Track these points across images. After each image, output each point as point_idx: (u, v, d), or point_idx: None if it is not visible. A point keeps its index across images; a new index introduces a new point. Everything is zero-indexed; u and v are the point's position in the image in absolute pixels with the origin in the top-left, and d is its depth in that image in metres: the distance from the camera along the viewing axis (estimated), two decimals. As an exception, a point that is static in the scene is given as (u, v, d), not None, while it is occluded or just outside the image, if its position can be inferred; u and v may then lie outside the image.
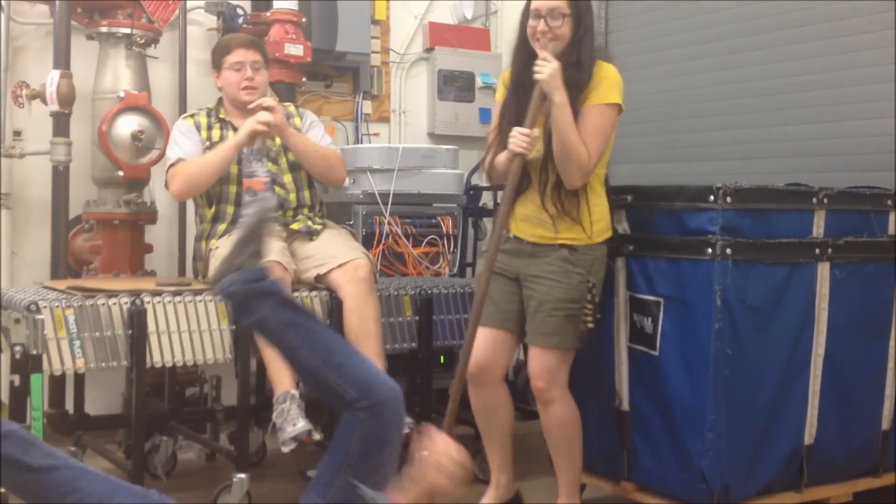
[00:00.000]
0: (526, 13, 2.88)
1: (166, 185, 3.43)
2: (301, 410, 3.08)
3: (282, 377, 3.11)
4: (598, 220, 2.90)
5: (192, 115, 3.52)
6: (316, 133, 3.56)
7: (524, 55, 2.89)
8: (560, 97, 2.75)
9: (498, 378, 3.06)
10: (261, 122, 3.28)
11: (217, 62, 3.45)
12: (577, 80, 2.82)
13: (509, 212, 2.91)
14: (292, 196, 3.44)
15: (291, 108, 3.64)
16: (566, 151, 2.78)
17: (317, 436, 3.07)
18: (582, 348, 2.93)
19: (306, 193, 3.50)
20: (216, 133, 3.44)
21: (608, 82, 2.85)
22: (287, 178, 3.44)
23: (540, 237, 2.92)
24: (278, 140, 3.43)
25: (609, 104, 2.85)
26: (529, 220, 2.93)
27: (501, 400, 3.09)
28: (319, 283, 3.30)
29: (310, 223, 3.44)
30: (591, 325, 2.87)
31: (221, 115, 3.48)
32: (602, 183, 2.96)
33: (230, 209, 3.39)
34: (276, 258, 3.12)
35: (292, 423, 3.04)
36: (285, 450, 3.05)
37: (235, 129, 3.41)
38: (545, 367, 2.90)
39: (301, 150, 3.40)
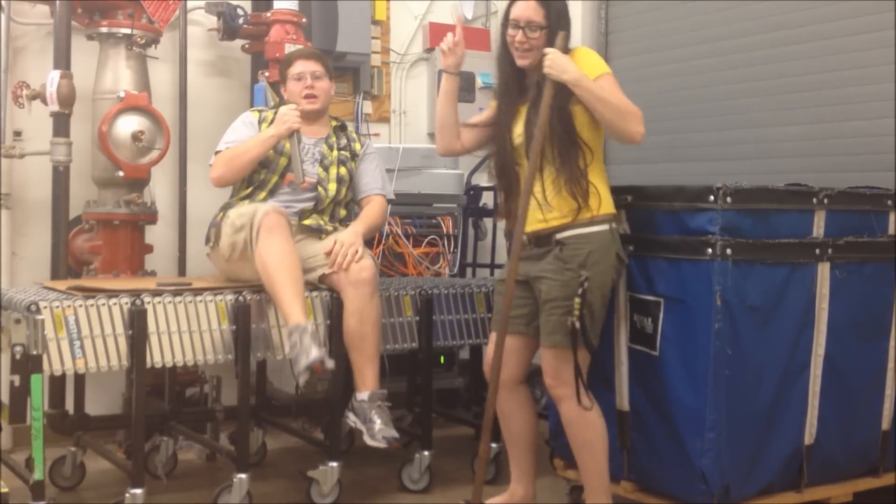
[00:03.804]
0: (506, 22, 2.95)
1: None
2: (315, 340, 3.05)
3: (293, 308, 3.09)
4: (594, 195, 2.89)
5: (259, 110, 3.63)
6: (370, 164, 3.63)
7: (507, 63, 2.97)
8: (570, 75, 2.79)
9: (508, 382, 3.04)
10: (293, 124, 3.37)
11: (283, 75, 3.59)
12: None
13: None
14: (328, 202, 3.49)
15: (353, 132, 3.72)
16: (614, 111, 2.82)
17: (330, 363, 3.06)
18: (581, 346, 2.86)
19: (340, 209, 3.56)
20: None
21: (589, 58, 2.92)
22: (332, 186, 3.50)
23: (540, 224, 2.91)
24: (335, 153, 3.54)
25: (606, 73, 2.89)
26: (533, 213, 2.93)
27: (515, 405, 3.09)
28: (322, 283, 3.31)
29: (322, 222, 3.47)
30: (574, 321, 2.81)
31: None
32: (599, 161, 2.98)
33: (262, 195, 3.46)
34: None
35: (306, 353, 3.02)
36: (301, 381, 3.06)
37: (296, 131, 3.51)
38: (549, 365, 2.90)
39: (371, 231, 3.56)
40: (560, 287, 2.83)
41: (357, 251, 3.27)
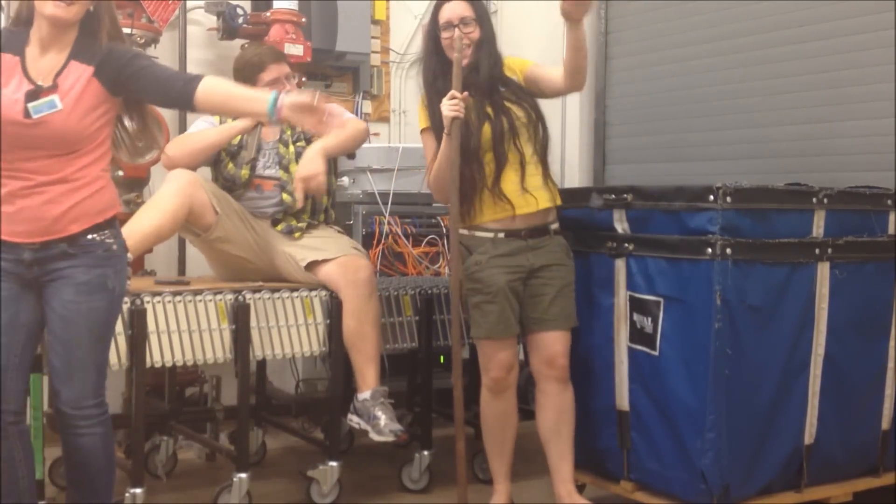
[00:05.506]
0: (433, 26, 3.07)
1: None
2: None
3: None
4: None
5: None
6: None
7: (437, 66, 3.06)
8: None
9: (514, 385, 3.09)
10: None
11: (251, 79, 3.42)
12: (500, 69, 3.05)
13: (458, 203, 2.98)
14: (296, 204, 3.42)
15: None
16: (584, 59, 2.91)
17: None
18: None
19: (313, 201, 3.51)
20: None
21: (517, 59, 3.14)
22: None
23: (539, 206, 3.00)
24: (291, 149, 3.47)
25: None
26: (523, 196, 2.97)
27: (515, 407, 3.13)
28: (309, 270, 3.30)
29: (293, 222, 3.44)
30: None
31: None
32: None
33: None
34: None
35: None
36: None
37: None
38: (567, 345, 3.03)
39: (341, 150, 3.48)
40: (572, 271, 3.06)
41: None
